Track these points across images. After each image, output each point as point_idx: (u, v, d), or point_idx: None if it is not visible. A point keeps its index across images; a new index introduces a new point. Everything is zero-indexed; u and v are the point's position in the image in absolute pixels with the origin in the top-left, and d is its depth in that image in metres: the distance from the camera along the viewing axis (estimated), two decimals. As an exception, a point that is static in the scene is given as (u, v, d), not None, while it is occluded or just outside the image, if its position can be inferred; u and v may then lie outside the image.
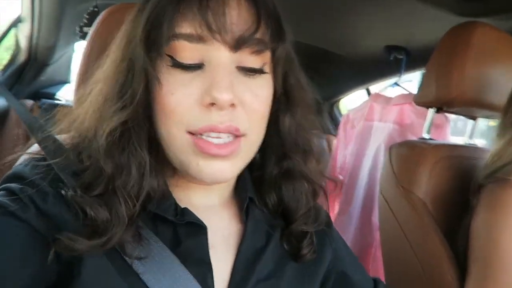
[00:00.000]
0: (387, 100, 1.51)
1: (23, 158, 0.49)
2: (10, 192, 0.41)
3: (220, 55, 0.43)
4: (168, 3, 0.42)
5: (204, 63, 0.43)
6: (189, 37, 0.42)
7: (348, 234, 1.47)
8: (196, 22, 0.41)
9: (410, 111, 1.39)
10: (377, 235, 1.32)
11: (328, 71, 1.89)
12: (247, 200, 0.53)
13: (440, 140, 1.10)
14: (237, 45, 0.43)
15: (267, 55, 0.46)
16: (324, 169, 0.56)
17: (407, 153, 0.99)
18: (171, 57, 0.43)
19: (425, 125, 1.06)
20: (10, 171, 0.45)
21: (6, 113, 1.33)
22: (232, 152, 0.44)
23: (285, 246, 0.53)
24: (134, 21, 0.46)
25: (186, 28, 0.42)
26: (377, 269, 1.31)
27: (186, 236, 0.47)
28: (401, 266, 0.97)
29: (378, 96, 1.57)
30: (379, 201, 1.04)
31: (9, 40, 1.41)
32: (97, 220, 0.41)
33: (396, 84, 1.55)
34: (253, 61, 0.45)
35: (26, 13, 1.23)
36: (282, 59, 0.48)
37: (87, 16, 0.91)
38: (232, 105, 0.43)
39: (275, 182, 0.54)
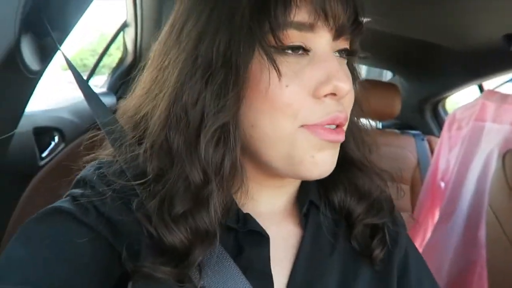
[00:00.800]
0: (504, 97, 1.30)
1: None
2: (72, 198, 0.42)
3: (323, 42, 0.41)
4: None
5: (309, 51, 0.41)
6: (300, 26, 0.40)
7: (449, 248, 1.31)
8: (309, 10, 0.39)
9: (533, 111, 1.18)
10: (483, 252, 1.15)
11: (432, 66, 1.72)
12: (307, 203, 0.49)
13: None
14: (340, 33, 0.42)
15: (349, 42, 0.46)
16: (377, 161, 0.52)
17: (525, 161, 0.83)
18: (278, 47, 0.40)
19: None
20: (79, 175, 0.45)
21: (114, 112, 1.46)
22: (344, 137, 0.43)
23: (357, 247, 0.49)
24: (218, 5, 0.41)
25: (299, 16, 0.39)
26: (483, 291, 1.15)
27: (247, 245, 0.44)
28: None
29: (492, 93, 1.37)
30: (487, 214, 0.90)
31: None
32: (176, 245, 0.38)
33: (516, 79, 1.33)
34: (346, 45, 0.45)
35: (130, 18, 1.34)
36: (357, 52, 0.47)
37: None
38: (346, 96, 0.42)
39: (339, 176, 0.50)
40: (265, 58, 0.39)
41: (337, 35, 0.42)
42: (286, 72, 0.40)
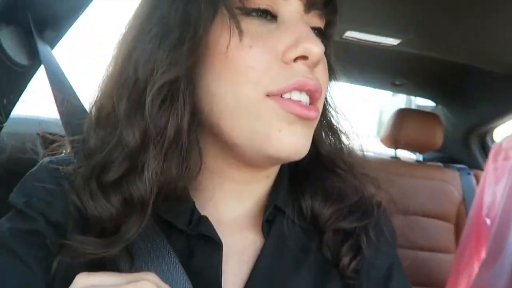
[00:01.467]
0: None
1: None
2: (18, 212, 0.40)
3: (293, 10, 0.39)
4: None
5: (278, 18, 0.39)
6: None
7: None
8: None
9: None
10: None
11: (478, 93, 1.59)
12: (271, 208, 0.43)
13: None
14: (311, 5, 0.40)
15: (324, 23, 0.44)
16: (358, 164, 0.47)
17: None
18: (243, 8, 0.38)
19: None
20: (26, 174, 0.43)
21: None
22: (317, 116, 0.40)
23: (329, 257, 0.43)
24: None
25: None
26: None
27: (198, 250, 0.40)
28: None
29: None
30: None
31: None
32: (101, 215, 0.35)
33: None
34: (320, 24, 0.43)
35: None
36: (331, 38, 0.46)
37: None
38: (317, 62, 0.39)
39: (309, 176, 0.45)
40: (227, 17, 0.37)
41: (307, 7, 0.40)
42: (251, 33, 0.37)
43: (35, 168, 0.43)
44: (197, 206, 0.41)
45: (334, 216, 0.43)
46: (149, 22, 0.38)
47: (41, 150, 0.92)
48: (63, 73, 0.55)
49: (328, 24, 0.44)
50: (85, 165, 0.37)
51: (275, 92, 0.37)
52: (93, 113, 0.40)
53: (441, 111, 1.87)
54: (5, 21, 0.52)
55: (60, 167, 0.40)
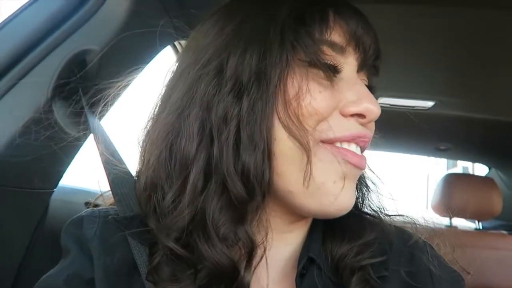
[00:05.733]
0: None
1: None
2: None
3: (351, 69, 0.42)
4: (317, 10, 0.41)
5: (339, 74, 0.41)
6: (333, 45, 0.41)
7: None
8: (342, 33, 0.41)
9: None
10: None
11: None
12: (304, 260, 0.42)
13: None
14: (362, 66, 0.43)
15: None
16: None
17: None
18: (312, 61, 0.40)
19: None
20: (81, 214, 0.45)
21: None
22: (365, 166, 0.42)
23: None
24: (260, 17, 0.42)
25: (333, 36, 0.41)
26: None
27: None
28: None
29: None
30: None
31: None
32: (222, 262, 0.37)
33: None
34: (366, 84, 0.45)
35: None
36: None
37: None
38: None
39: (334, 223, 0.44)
40: (298, 68, 0.39)
41: (360, 67, 0.43)
42: (318, 81, 0.40)
43: (79, 215, 0.46)
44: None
45: (350, 253, 0.42)
46: (219, 74, 0.40)
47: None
48: (112, 144, 0.58)
49: (369, 88, 0.46)
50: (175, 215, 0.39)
51: (331, 139, 0.39)
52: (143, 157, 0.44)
53: (497, 176, 1.76)
54: (59, 93, 0.61)
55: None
